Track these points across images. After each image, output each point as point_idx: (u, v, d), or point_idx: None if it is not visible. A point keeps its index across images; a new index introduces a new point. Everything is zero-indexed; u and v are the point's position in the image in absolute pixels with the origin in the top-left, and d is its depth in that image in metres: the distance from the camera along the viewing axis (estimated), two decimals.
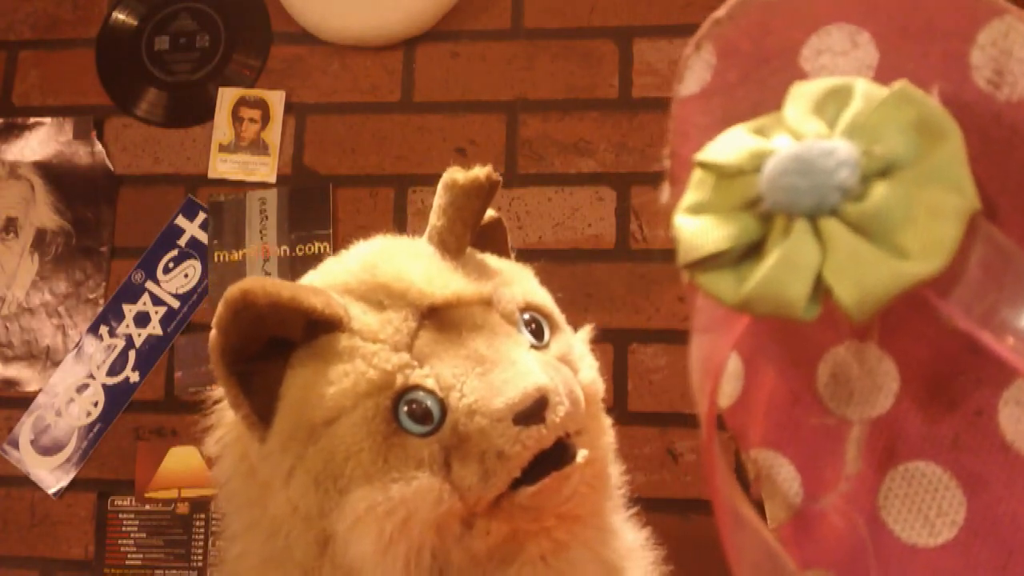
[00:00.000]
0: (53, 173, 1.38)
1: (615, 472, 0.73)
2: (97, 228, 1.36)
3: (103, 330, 1.33)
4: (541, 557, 0.64)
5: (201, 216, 1.34)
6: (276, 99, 1.35)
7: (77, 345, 1.33)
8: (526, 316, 0.68)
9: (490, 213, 0.76)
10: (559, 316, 0.71)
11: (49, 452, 1.32)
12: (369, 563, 0.60)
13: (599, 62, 1.31)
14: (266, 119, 1.35)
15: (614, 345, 1.24)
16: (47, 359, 1.34)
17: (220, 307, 0.58)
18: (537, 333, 0.68)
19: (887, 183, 0.37)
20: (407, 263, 0.66)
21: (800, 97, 0.41)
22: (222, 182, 1.35)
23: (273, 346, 0.63)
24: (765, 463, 0.49)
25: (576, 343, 0.72)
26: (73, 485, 1.31)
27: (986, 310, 0.37)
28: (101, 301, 1.34)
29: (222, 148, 1.35)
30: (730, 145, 0.41)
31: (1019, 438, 0.41)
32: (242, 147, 1.34)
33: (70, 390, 1.33)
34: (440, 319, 0.64)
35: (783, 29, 0.46)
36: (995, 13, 0.41)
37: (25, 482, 1.32)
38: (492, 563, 0.63)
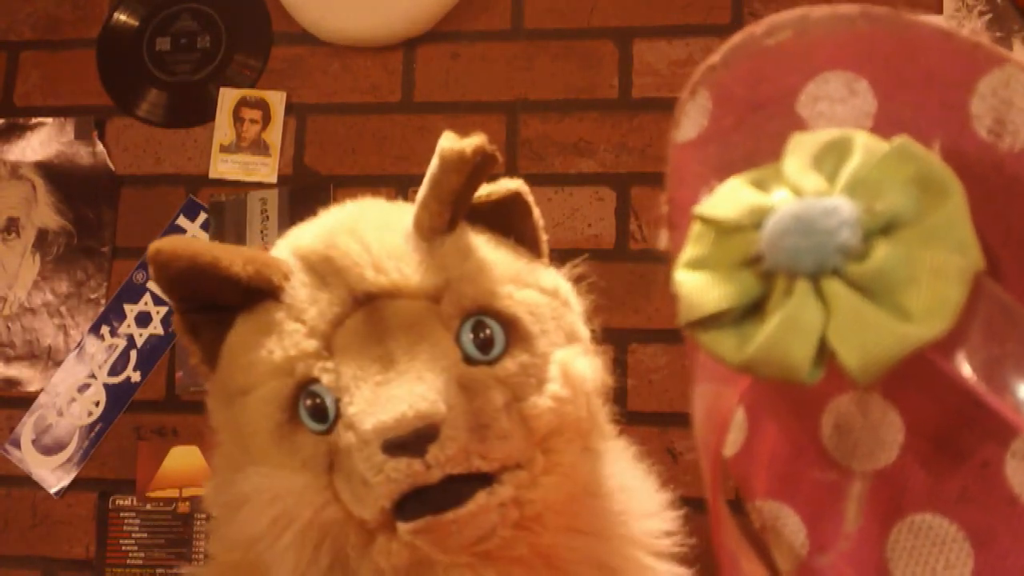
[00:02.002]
0: (54, 173, 1.38)
1: (612, 503, 0.64)
2: (98, 228, 1.36)
3: (104, 330, 1.34)
4: None
5: (202, 216, 1.34)
6: (277, 99, 1.36)
7: (78, 345, 1.34)
8: (474, 320, 0.58)
9: (509, 185, 0.66)
10: (531, 327, 0.59)
11: (50, 452, 1.32)
12: (258, 545, 0.57)
13: (599, 62, 1.31)
14: (267, 119, 1.35)
15: (614, 345, 1.24)
16: (48, 359, 1.34)
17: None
18: (485, 344, 0.57)
19: (889, 242, 0.37)
20: (364, 239, 0.59)
21: (799, 149, 0.41)
22: (223, 182, 1.35)
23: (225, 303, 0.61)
24: (770, 514, 0.48)
25: (556, 359, 0.59)
26: (74, 485, 1.31)
27: (989, 369, 0.37)
28: (103, 301, 1.34)
29: (223, 148, 1.35)
30: (729, 199, 0.41)
31: None
32: (243, 147, 1.35)
33: (71, 390, 1.33)
34: (373, 309, 0.57)
35: (778, 76, 0.46)
36: (995, 62, 0.41)
37: (26, 482, 1.32)
38: None
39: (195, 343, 0.62)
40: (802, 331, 0.37)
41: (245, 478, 0.58)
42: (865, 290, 0.36)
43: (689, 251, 0.41)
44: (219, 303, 0.61)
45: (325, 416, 0.56)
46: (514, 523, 0.57)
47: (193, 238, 0.60)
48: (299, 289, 0.59)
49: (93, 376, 1.33)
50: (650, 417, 1.23)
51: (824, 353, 0.37)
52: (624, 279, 1.26)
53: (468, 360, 0.57)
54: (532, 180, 1.31)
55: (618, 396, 1.23)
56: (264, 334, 0.58)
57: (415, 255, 0.59)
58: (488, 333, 0.58)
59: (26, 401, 1.34)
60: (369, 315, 0.57)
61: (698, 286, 0.40)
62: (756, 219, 0.39)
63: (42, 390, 1.33)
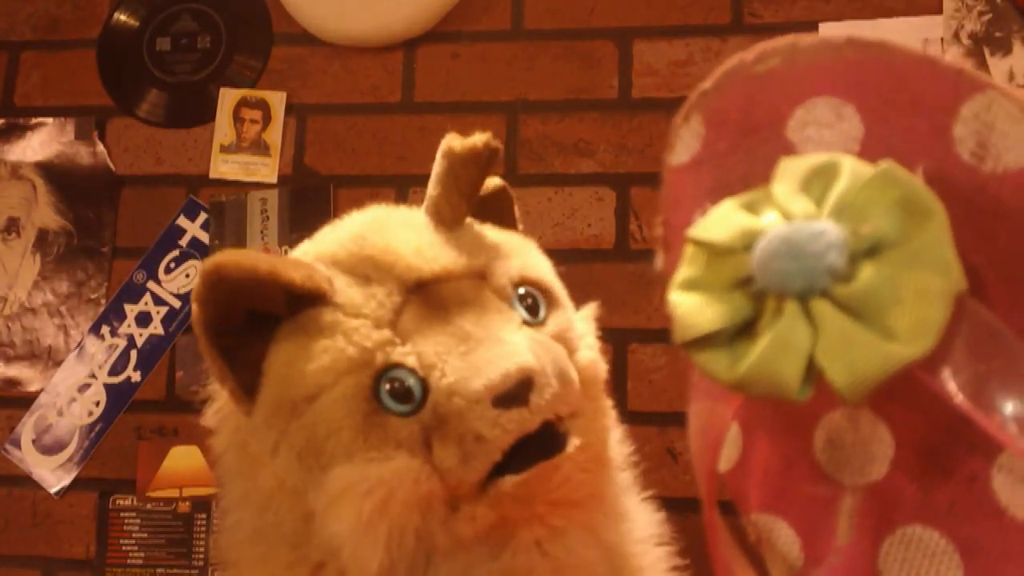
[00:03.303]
0: (55, 173, 1.39)
1: (620, 453, 0.71)
2: (99, 228, 1.37)
3: (105, 330, 1.34)
4: (536, 543, 0.62)
5: (202, 216, 1.35)
6: (277, 100, 1.36)
7: (79, 345, 1.34)
8: (521, 291, 0.65)
9: (494, 181, 0.74)
10: (560, 291, 0.68)
11: (51, 452, 1.32)
12: (349, 543, 0.58)
13: (599, 63, 1.31)
14: (267, 120, 1.35)
15: (614, 345, 1.24)
16: (49, 359, 1.35)
17: (197, 280, 0.58)
18: (532, 309, 0.64)
19: (874, 264, 0.38)
20: (397, 235, 0.64)
21: (788, 173, 0.42)
22: (223, 182, 1.35)
23: (259, 320, 0.61)
24: (765, 527, 0.49)
25: (578, 321, 0.69)
26: (75, 484, 1.31)
27: (974, 386, 0.38)
28: (103, 301, 1.35)
29: (223, 149, 1.35)
30: (721, 222, 0.42)
31: (1012, 504, 0.42)
32: (243, 148, 1.35)
33: (72, 390, 1.33)
34: (428, 294, 0.62)
35: (769, 101, 0.47)
36: (977, 88, 0.42)
37: (27, 481, 1.32)
38: (482, 549, 0.61)
39: (232, 373, 0.61)
40: (791, 351, 0.38)
41: (329, 481, 0.58)
42: (852, 311, 0.38)
43: (683, 272, 0.43)
44: (260, 317, 0.61)
45: (410, 397, 0.59)
46: (580, 467, 0.62)
47: (246, 250, 0.60)
48: (347, 290, 0.61)
49: (93, 376, 1.33)
50: (650, 417, 1.23)
51: (813, 372, 0.38)
52: (624, 279, 1.26)
53: (526, 324, 0.63)
54: (532, 180, 1.32)
55: (618, 396, 1.24)
56: (324, 337, 0.60)
57: (449, 242, 0.64)
58: (533, 300, 0.65)
59: (26, 401, 1.34)
60: (426, 300, 0.61)
61: (692, 307, 0.42)
62: (747, 242, 0.40)
63: (42, 390, 1.34)
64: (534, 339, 0.61)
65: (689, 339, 0.41)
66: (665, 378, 1.24)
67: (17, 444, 1.33)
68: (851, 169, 0.40)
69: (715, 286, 0.41)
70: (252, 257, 0.58)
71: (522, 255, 0.68)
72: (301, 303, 0.61)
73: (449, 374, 0.58)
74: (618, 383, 1.24)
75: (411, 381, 0.59)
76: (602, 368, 0.68)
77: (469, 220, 0.68)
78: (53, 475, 1.32)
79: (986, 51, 1.22)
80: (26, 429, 1.33)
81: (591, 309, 0.71)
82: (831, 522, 0.47)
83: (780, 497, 0.49)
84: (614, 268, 1.26)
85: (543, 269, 0.69)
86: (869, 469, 0.46)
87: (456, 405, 0.58)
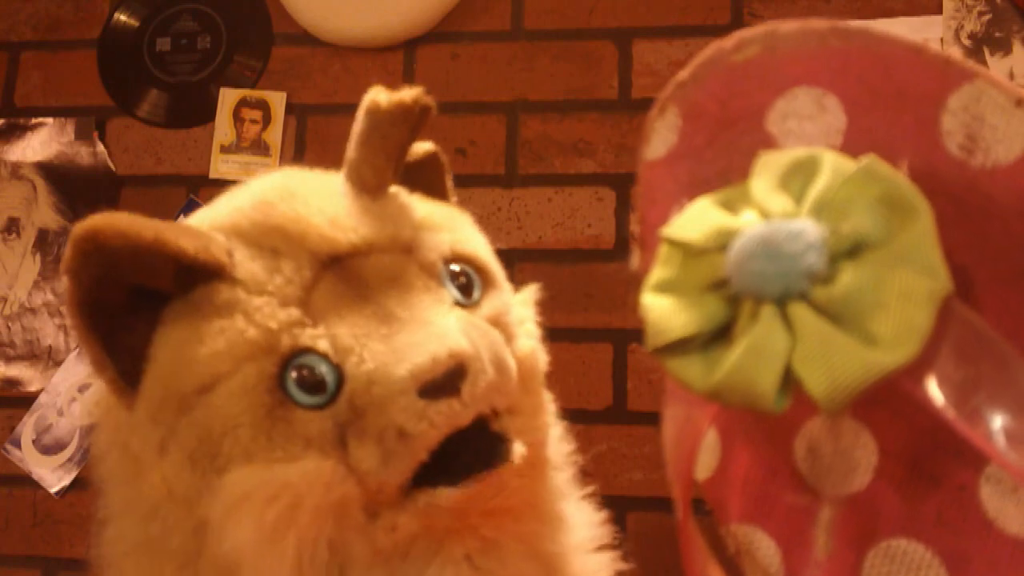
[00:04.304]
0: (55, 173, 1.39)
1: (559, 453, 0.64)
2: None
3: None
4: (466, 557, 0.55)
5: None
6: (277, 100, 1.36)
7: (79, 345, 1.34)
8: (453, 268, 0.57)
9: (424, 146, 0.66)
10: (497, 270, 0.60)
11: (51, 451, 1.32)
12: (250, 558, 0.50)
13: (599, 63, 1.31)
14: (267, 120, 1.35)
15: (614, 345, 1.24)
16: (49, 359, 1.35)
17: (67, 247, 0.48)
18: (465, 289, 0.57)
19: (856, 265, 0.36)
20: (309, 202, 0.55)
21: (766, 169, 0.40)
22: (223, 182, 1.34)
23: (143, 298, 0.52)
24: (745, 538, 0.47)
25: (517, 305, 0.61)
26: (75, 484, 1.31)
27: (960, 395, 0.36)
28: None
29: (223, 149, 1.35)
30: (696, 221, 0.40)
31: (1000, 515, 0.40)
32: (243, 148, 1.35)
33: (72, 389, 1.33)
34: (344, 270, 0.54)
35: (749, 91, 0.45)
36: (966, 77, 0.40)
37: (27, 481, 1.32)
38: (405, 562, 0.54)
39: (111, 359, 0.52)
40: (768, 358, 0.36)
41: (226, 486, 0.51)
42: (832, 315, 0.36)
43: (656, 273, 0.41)
44: (145, 294, 0.52)
45: (322, 387, 0.51)
46: (517, 472, 0.55)
47: (125, 213, 0.50)
48: (248, 263, 0.53)
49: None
50: (650, 417, 1.23)
51: (791, 380, 0.36)
52: (624, 279, 1.26)
53: (458, 305, 0.56)
54: (532, 180, 1.32)
55: (618, 396, 1.24)
56: (220, 317, 0.51)
57: (370, 212, 0.56)
58: (466, 278, 0.57)
59: (26, 401, 1.34)
60: (342, 276, 0.53)
61: (665, 311, 0.40)
62: (722, 242, 0.39)
63: (43, 390, 1.34)
64: (467, 321, 0.53)
65: (661, 344, 0.39)
66: (665, 378, 1.24)
67: (17, 444, 1.33)
68: (832, 164, 0.38)
69: (689, 288, 0.39)
70: (135, 222, 0.48)
71: (455, 228, 0.60)
72: (194, 278, 0.52)
73: (368, 360, 0.50)
74: (618, 383, 1.24)
75: (323, 368, 0.51)
76: (542, 359, 0.61)
77: (395, 188, 0.59)
78: (53, 475, 1.32)
79: (986, 51, 1.22)
80: (26, 429, 1.33)
81: (531, 292, 0.64)
82: (813, 533, 0.45)
83: (761, 507, 0.47)
84: (614, 268, 1.26)
85: (478, 244, 0.61)
86: (852, 478, 0.44)
87: (376, 395, 0.50)
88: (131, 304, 0.52)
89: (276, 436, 0.50)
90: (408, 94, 0.55)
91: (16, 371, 1.35)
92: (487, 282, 0.59)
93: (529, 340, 0.59)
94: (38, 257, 1.37)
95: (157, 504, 0.54)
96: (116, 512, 0.58)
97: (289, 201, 0.56)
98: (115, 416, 0.56)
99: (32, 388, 1.34)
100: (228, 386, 0.51)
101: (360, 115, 0.56)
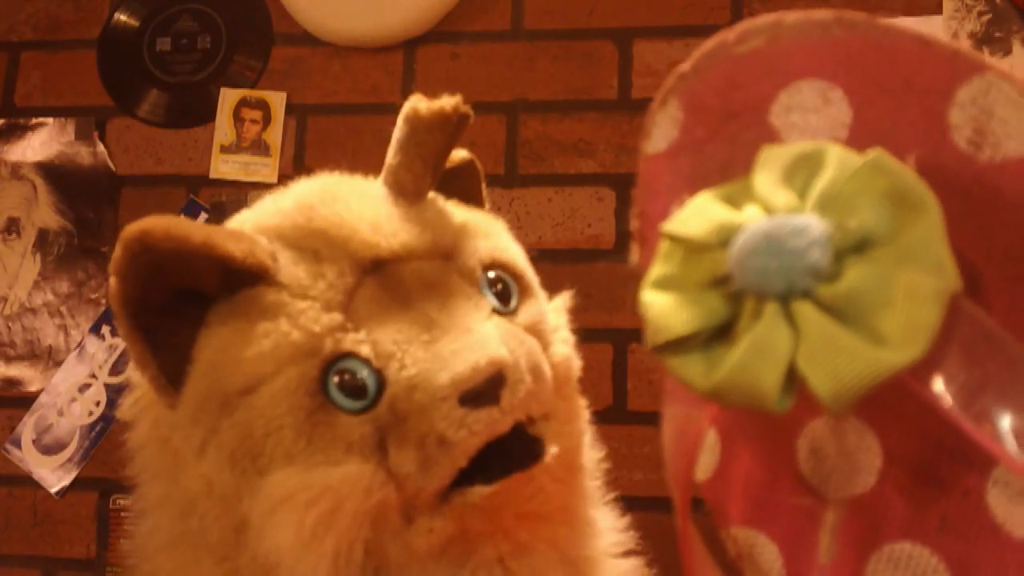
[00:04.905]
0: (55, 173, 1.39)
1: (591, 459, 0.65)
2: (99, 228, 1.37)
3: (105, 330, 1.34)
4: (499, 560, 0.55)
5: (203, 216, 1.35)
6: (277, 100, 1.36)
7: (79, 345, 1.34)
8: (491, 275, 0.58)
9: (461, 154, 0.67)
10: (532, 278, 0.61)
11: (51, 451, 1.32)
12: (289, 559, 0.51)
13: (599, 63, 1.31)
14: (267, 120, 1.35)
15: (614, 345, 1.24)
16: (49, 359, 1.35)
17: (117, 249, 0.49)
18: (503, 296, 0.57)
19: (862, 262, 0.35)
20: (351, 206, 0.56)
21: (769, 163, 0.39)
22: (223, 182, 1.35)
23: (188, 299, 0.54)
24: (746, 542, 0.46)
25: (551, 312, 0.62)
26: (75, 484, 1.31)
27: (968, 395, 0.35)
28: (103, 301, 1.35)
29: (223, 149, 1.35)
30: (698, 215, 0.39)
31: (1009, 519, 0.39)
32: (243, 148, 1.35)
33: (72, 390, 1.33)
34: (386, 275, 0.54)
35: (752, 84, 0.44)
36: (975, 70, 0.39)
37: (27, 481, 1.32)
38: (439, 565, 0.54)
39: (155, 358, 0.54)
40: (770, 357, 0.35)
41: (267, 488, 0.51)
42: (836, 313, 0.35)
43: (657, 270, 0.40)
44: (190, 295, 0.54)
45: (363, 392, 0.51)
46: (553, 477, 0.56)
47: (175, 216, 0.51)
48: (292, 267, 0.53)
49: (94, 376, 1.33)
50: (650, 417, 1.22)
51: (794, 380, 0.35)
52: (624, 279, 1.26)
53: (495, 312, 0.56)
54: (532, 180, 1.32)
55: (618, 396, 1.24)
56: (264, 320, 0.52)
57: (410, 217, 0.57)
58: (503, 285, 0.58)
59: (27, 401, 1.34)
60: (384, 281, 0.54)
61: (665, 308, 0.39)
62: (725, 237, 0.37)
63: (43, 390, 1.34)
64: (506, 329, 0.54)
65: (661, 342, 0.38)
66: (665, 378, 1.24)
67: (17, 444, 1.33)
68: (837, 158, 0.37)
69: (690, 285, 0.38)
70: (184, 225, 0.50)
71: (492, 236, 0.61)
72: (239, 281, 0.53)
73: (410, 366, 0.51)
74: (618, 383, 1.24)
75: (364, 373, 0.52)
76: (576, 365, 0.62)
77: (432, 195, 0.60)
78: (53, 475, 1.32)
79: (986, 51, 1.22)
80: (26, 429, 1.33)
81: (564, 300, 0.65)
82: (815, 537, 0.44)
83: (762, 510, 0.46)
84: (614, 268, 1.26)
85: (515, 253, 0.62)
86: (855, 481, 0.43)
87: (417, 402, 0.50)
88: (175, 305, 0.53)
89: (317, 439, 0.51)
90: (448, 102, 0.56)
91: (16, 371, 1.35)
92: (523, 289, 0.60)
93: (564, 347, 0.60)
94: (38, 257, 1.37)
95: (196, 499, 0.55)
96: (152, 505, 0.60)
97: (331, 205, 0.57)
98: (154, 412, 0.57)
99: (32, 388, 1.34)
100: (271, 388, 0.51)
101: (400, 122, 0.57)
